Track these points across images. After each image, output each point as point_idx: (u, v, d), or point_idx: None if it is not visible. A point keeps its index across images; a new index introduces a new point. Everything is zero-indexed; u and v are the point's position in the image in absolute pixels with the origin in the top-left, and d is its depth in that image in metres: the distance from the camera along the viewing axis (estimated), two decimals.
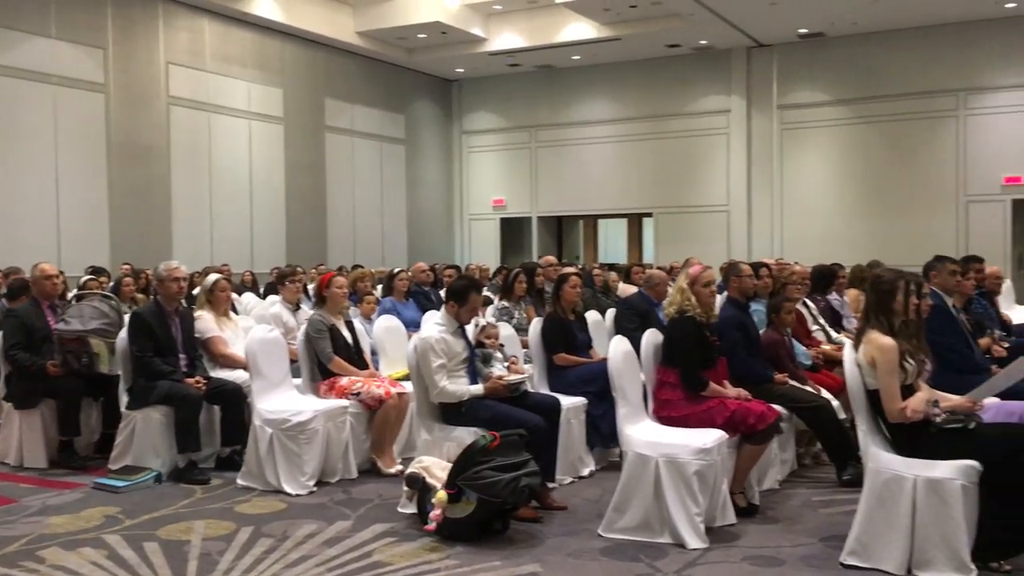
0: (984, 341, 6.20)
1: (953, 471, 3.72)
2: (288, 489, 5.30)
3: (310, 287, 8.70)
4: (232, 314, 6.89)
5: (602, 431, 5.71)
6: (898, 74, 17.21)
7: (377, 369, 6.45)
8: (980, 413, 4.01)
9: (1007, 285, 10.14)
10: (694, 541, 4.26)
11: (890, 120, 17.41)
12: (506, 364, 5.36)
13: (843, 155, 17.96)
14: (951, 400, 4.02)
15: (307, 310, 6.97)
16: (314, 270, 12.62)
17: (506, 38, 18.40)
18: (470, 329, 5.38)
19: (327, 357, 5.94)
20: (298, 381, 6.01)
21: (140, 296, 9.05)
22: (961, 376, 5.06)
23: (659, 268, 9.57)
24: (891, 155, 17.42)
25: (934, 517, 3.73)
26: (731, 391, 4.89)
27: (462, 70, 20.61)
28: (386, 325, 6.96)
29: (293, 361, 6.07)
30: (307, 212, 17.47)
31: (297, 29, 16.67)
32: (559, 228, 21.94)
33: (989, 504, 3.73)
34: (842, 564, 3.98)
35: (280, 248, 16.67)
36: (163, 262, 6.21)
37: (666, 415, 4.81)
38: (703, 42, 18.07)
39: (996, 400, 4.39)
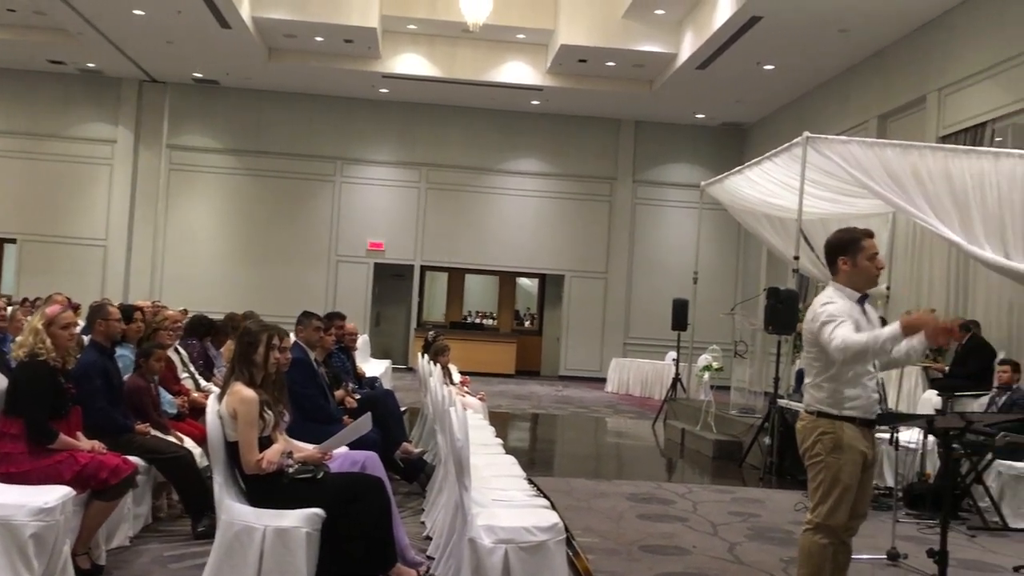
0: (339, 393, 6.76)
1: (300, 520, 3.90)
2: None
3: None
4: None
5: None
6: (285, 134, 18.20)
7: None
8: (330, 463, 4.29)
9: (363, 340, 11.26)
10: None
11: (275, 176, 18.26)
12: None
13: (230, 203, 18.29)
14: (304, 451, 4.24)
15: None
16: None
17: None
18: None
19: None
20: None
21: None
22: (317, 426, 5.45)
23: (18, 302, 8.57)
24: (275, 210, 18.24)
25: (279, 564, 3.86)
26: (84, 443, 4.54)
27: None
28: None
29: None
30: None
31: None
32: None
33: (331, 548, 3.99)
34: None
35: None
36: None
37: (4, 471, 4.27)
38: (91, 65, 17.02)
39: (345, 449, 4.75)
